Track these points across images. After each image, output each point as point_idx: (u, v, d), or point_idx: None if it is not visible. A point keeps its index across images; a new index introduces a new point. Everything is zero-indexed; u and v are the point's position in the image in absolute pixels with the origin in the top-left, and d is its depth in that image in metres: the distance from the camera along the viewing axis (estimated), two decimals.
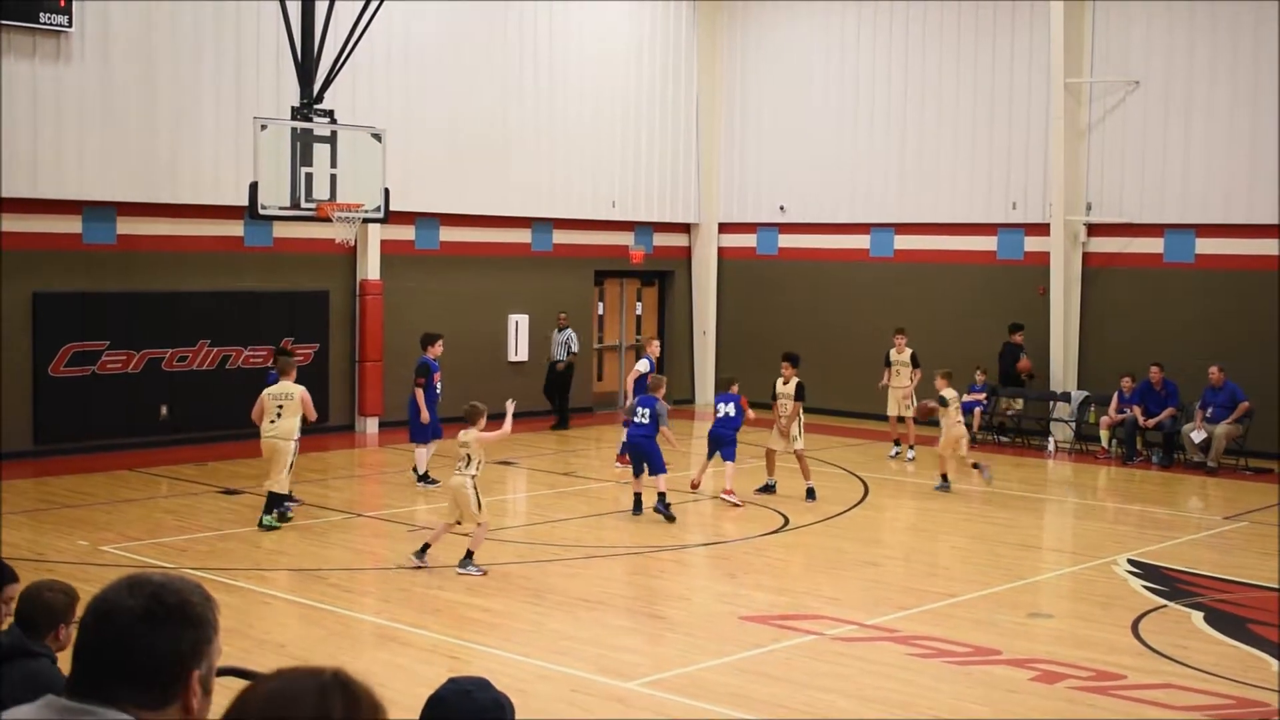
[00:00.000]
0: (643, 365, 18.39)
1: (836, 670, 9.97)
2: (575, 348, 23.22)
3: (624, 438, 17.66)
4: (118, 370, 19.21)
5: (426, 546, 12.85)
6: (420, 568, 12.75)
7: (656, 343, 19.48)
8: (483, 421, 12.85)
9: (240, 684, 2.31)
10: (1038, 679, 9.79)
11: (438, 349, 17.39)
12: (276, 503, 14.61)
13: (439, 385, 17.33)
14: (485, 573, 12.61)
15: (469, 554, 12.60)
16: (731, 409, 16.60)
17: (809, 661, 10.20)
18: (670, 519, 15.28)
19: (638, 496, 15.76)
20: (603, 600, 12.05)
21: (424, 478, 17.24)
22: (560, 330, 23.15)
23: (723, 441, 16.54)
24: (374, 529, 15.19)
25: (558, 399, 23.18)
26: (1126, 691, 9.54)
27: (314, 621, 11.17)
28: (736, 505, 16.25)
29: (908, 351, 20.22)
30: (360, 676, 2.24)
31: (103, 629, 2.41)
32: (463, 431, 12.81)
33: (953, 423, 17.52)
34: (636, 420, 15.85)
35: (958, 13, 23.52)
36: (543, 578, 12.78)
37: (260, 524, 14.46)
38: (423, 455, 17.29)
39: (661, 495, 15.43)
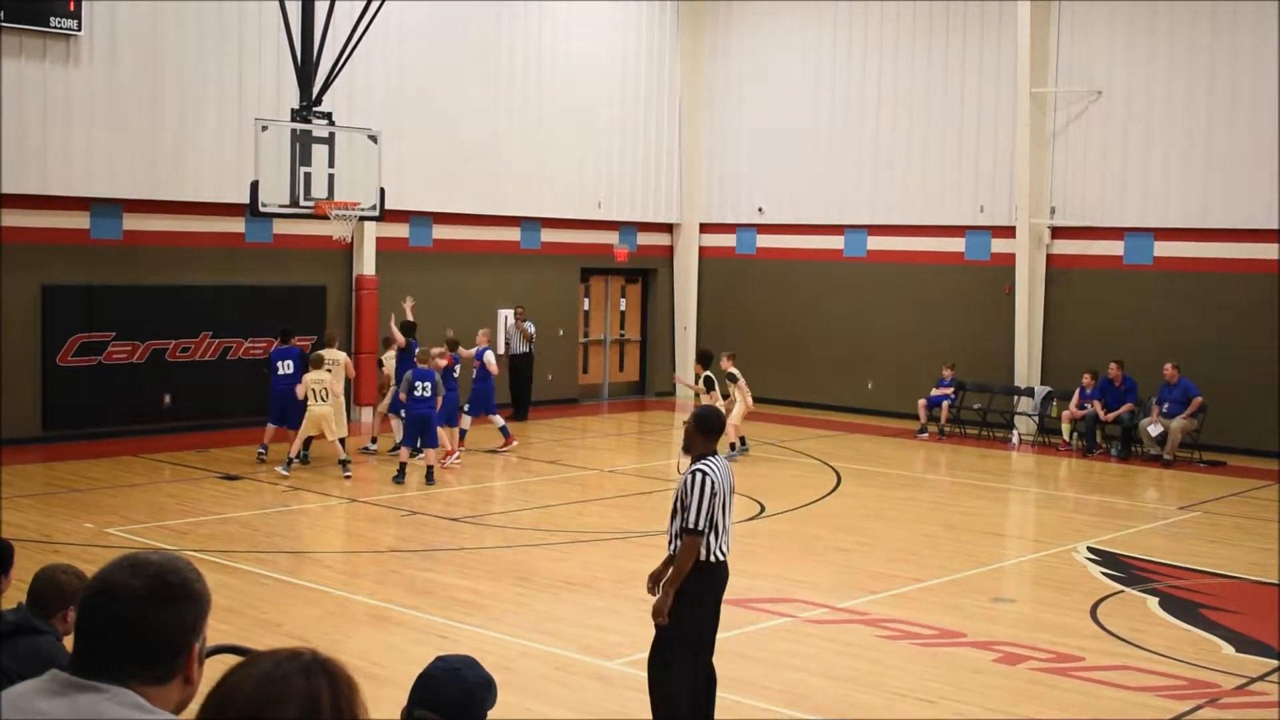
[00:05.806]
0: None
1: (809, 651, 10.09)
2: (532, 335, 23.38)
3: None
4: (123, 360, 19.39)
5: None
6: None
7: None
8: None
9: (229, 660, 2.35)
10: (1000, 660, 9.93)
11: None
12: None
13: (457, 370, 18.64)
14: None
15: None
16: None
17: (783, 642, 10.32)
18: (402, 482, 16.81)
19: (403, 467, 17.03)
20: (586, 583, 12.12)
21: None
22: (519, 323, 23.26)
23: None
24: (369, 513, 15.28)
25: (518, 390, 23.35)
26: (1085, 673, 9.68)
27: (310, 602, 11.22)
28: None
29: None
30: (331, 654, 2.29)
31: (108, 609, 2.42)
32: None
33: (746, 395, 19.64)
34: (417, 395, 16.80)
35: (930, 25, 23.84)
36: (528, 561, 12.95)
37: None
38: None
39: (430, 469, 17.03)
